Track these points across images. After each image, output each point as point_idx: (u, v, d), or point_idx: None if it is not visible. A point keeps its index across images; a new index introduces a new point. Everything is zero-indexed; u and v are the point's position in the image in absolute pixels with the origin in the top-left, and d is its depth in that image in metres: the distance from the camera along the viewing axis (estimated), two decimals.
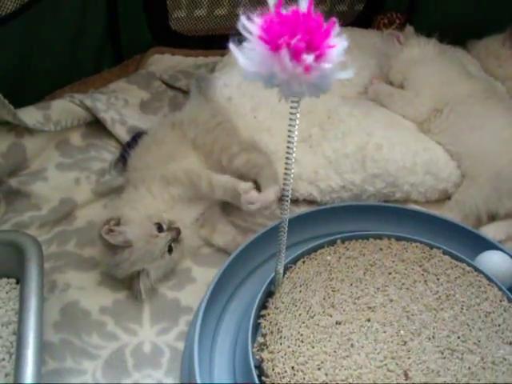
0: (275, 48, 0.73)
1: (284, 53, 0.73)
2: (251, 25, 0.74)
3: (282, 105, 1.35)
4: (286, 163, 0.87)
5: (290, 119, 0.83)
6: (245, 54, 0.75)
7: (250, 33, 0.73)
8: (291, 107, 0.82)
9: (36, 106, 1.42)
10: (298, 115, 0.83)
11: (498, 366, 0.97)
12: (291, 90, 0.76)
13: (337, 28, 0.74)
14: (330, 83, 0.76)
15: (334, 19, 0.74)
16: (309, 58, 0.73)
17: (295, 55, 0.73)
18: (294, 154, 0.86)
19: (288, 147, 0.86)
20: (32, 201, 1.33)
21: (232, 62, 1.63)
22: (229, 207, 1.33)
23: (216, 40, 1.83)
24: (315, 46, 0.73)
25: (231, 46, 0.74)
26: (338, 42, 0.74)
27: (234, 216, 1.34)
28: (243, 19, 0.74)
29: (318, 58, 0.74)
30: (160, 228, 1.17)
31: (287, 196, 0.91)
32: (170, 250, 1.18)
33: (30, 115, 1.38)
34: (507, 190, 1.34)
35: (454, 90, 1.47)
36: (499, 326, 1.03)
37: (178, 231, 1.18)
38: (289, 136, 0.85)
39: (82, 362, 1.07)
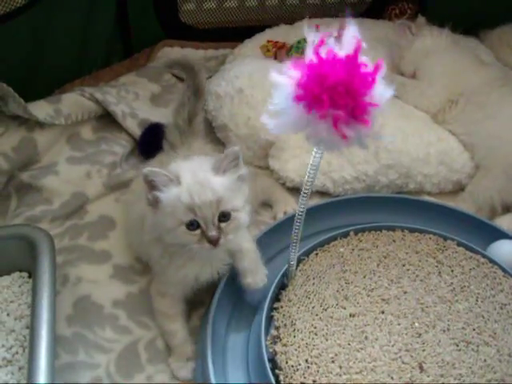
0: (311, 110, 0.69)
1: (322, 123, 0.69)
2: (285, 80, 0.69)
3: None
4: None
5: (313, 160, 0.83)
6: (276, 117, 0.70)
7: (283, 89, 0.68)
8: (315, 152, 0.81)
9: (46, 100, 1.42)
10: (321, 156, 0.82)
11: None
12: (323, 146, 0.73)
13: (382, 72, 0.69)
14: (366, 144, 0.72)
15: (381, 62, 0.69)
16: (349, 131, 0.69)
17: (334, 123, 0.69)
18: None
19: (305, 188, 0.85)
20: (43, 195, 1.33)
21: (243, 54, 1.63)
22: None
23: (226, 32, 1.82)
24: (358, 114, 0.69)
25: (263, 117, 0.69)
26: (382, 93, 0.69)
27: None
28: (274, 74, 0.69)
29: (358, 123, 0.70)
30: (193, 225, 0.96)
31: (307, 190, 0.90)
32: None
33: (40, 109, 1.38)
34: None
35: (468, 80, 1.46)
36: None
37: (214, 240, 0.96)
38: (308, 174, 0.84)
39: (95, 356, 1.07)
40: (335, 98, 0.67)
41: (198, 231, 0.95)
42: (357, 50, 0.67)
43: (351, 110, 0.68)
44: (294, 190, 1.34)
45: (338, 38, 0.68)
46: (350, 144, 0.72)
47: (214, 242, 0.95)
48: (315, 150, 0.80)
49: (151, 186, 0.95)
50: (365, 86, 0.68)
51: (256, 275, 1.05)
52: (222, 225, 0.96)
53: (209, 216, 0.94)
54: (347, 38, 0.68)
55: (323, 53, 0.68)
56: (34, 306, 1.00)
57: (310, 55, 0.68)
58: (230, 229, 0.97)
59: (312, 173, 0.84)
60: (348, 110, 0.67)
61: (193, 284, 1.07)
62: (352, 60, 0.67)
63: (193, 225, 0.95)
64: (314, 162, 0.82)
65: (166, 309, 1.09)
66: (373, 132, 0.70)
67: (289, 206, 1.32)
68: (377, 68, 0.68)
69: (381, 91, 0.69)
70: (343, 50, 0.68)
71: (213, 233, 0.95)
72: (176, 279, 1.05)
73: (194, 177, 0.96)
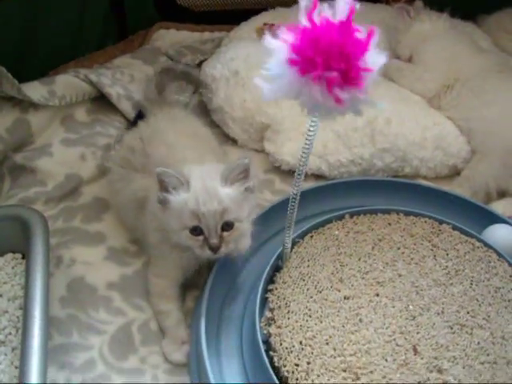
0: (305, 73, 0.69)
1: (316, 86, 0.69)
2: (279, 44, 0.69)
3: None
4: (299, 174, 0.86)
5: (309, 130, 0.81)
6: (270, 82, 0.70)
7: (277, 54, 0.68)
8: (312, 121, 0.80)
9: (40, 81, 1.40)
10: (317, 129, 0.81)
11: (507, 340, 0.96)
12: (317, 112, 0.73)
13: (375, 39, 0.69)
14: (361, 110, 0.72)
15: (374, 28, 0.69)
16: (344, 95, 0.69)
17: (328, 86, 0.69)
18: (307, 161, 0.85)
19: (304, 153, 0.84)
20: (37, 176, 1.32)
21: (238, 37, 1.62)
22: None
23: (222, 15, 1.81)
24: (351, 77, 0.69)
25: (256, 80, 0.69)
26: (375, 60, 0.69)
27: None
28: (268, 37, 0.69)
29: (352, 89, 0.70)
30: (197, 231, 0.99)
31: (301, 171, 0.89)
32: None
33: (34, 90, 1.37)
34: None
35: (465, 65, 1.46)
36: (509, 301, 1.03)
37: (215, 248, 0.99)
38: (305, 145, 0.84)
39: (89, 337, 1.06)
40: (329, 61, 0.67)
41: (200, 237, 0.99)
42: (350, 15, 0.67)
43: (345, 73, 0.67)
44: (290, 174, 1.33)
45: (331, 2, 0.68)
46: (344, 110, 0.71)
47: (214, 250, 0.99)
48: (310, 120, 0.79)
49: (162, 185, 0.98)
50: (358, 50, 0.68)
51: (240, 244, 1.05)
52: (225, 233, 0.99)
53: (212, 224, 0.98)
54: (340, 4, 0.68)
55: (317, 18, 0.68)
56: (27, 287, 0.99)
57: (303, 20, 0.68)
58: (232, 238, 1.00)
59: (307, 147, 0.83)
60: (342, 74, 0.67)
61: (194, 267, 1.08)
62: (346, 24, 0.67)
63: (196, 230, 0.98)
64: (309, 135, 0.81)
65: (163, 290, 1.09)
66: (366, 98, 0.70)
67: None
68: (370, 34, 0.68)
69: (374, 57, 0.70)
70: (337, 16, 0.68)
71: (214, 241, 0.98)
72: (177, 263, 1.06)
73: (202, 184, 0.99)
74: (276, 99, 0.71)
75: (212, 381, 0.91)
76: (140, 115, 1.37)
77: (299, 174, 0.88)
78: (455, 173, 1.40)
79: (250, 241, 1.06)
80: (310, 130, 0.81)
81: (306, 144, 0.83)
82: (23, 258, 1.14)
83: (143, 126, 1.25)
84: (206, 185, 0.98)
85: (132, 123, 1.41)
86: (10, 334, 1.03)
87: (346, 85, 0.68)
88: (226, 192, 0.99)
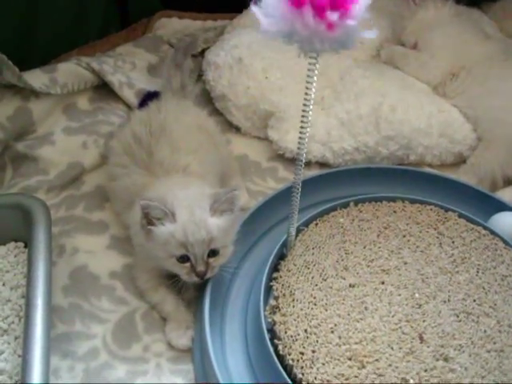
0: (297, 4, 0.71)
1: (307, 9, 0.71)
2: None
3: (295, 65, 1.34)
4: (302, 121, 0.85)
5: (308, 76, 0.81)
6: (265, 10, 0.72)
7: None
8: (309, 63, 0.80)
9: (42, 69, 1.39)
10: (316, 72, 0.80)
11: None
12: (312, 47, 0.74)
13: None
14: (353, 41, 0.74)
15: None
16: (333, 16, 0.71)
17: (318, 12, 0.71)
18: (310, 113, 0.84)
19: (305, 104, 0.84)
20: (39, 165, 1.31)
21: (242, 24, 1.60)
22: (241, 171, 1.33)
23: (225, 3, 1.78)
24: (340, 2, 0.71)
25: (255, 10, 0.72)
26: None
27: (245, 180, 1.33)
28: None
29: (342, 15, 0.71)
30: (183, 259, 1.00)
31: (302, 155, 0.88)
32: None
33: (36, 78, 1.35)
34: None
35: (470, 53, 1.44)
36: None
37: (201, 275, 1.00)
38: (306, 94, 0.83)
39: (92, 326, 1.06)
40: None
41: (187, 264, 1.00)
42: None
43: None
44: (294, 162, 1.32)
45: None
46: (336, 41, 0.72)
47: (201, 276, 1.00)
48: (308, 64, 0.78)
49: (146, 217, 0.99)
50: None
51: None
52: (210, 260, 1.01)
53: (199, 253, 0.99)
54: None
55: None
56: (29, 275, 0.98)
57: None
58: (217, 263, 1.02)
59: (308, 98, 0.83)
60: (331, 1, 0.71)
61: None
62: None
63: (183, 258, 1.00)
64: (309, 81, 0.81)
65: (151, 283, 1.09)
66: (356, 27, 0.72)
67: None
68: None
69: None
70: None
71: (201, 268, 1.00)
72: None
73: (190, 215, 0.99)
74: (273, 37, 0.72)
75: (216, 369, 0.90)
76: (150, 95, 1.37)
77: (302, 133, 0.87)
78: (461, 160, 1.39)
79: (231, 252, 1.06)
80: (308, 76, 0.80)
81: (306, 94, 0.82)
82: (25, 246, 1.14)
83: (154, 111, 1.23)
84: (194, 215, 0.99)
85: (140, 105, 1.41)
86: (13, 322, 1.02)
87: (335, 8, 0.71)
88: (214, 223, 1.00)
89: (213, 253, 1.00)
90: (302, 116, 0.85)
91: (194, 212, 0.99)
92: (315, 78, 0.81)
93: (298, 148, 0.88)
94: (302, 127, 0.86)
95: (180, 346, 1.02)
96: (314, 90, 0.82)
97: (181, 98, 1.34)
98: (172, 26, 1.76)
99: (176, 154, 1.13)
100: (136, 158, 1.14)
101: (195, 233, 0.97)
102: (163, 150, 1.13)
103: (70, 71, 1.40)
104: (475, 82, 1.39)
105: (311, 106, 0.84)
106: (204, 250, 0.99)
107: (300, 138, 0.87)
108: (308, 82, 0.81)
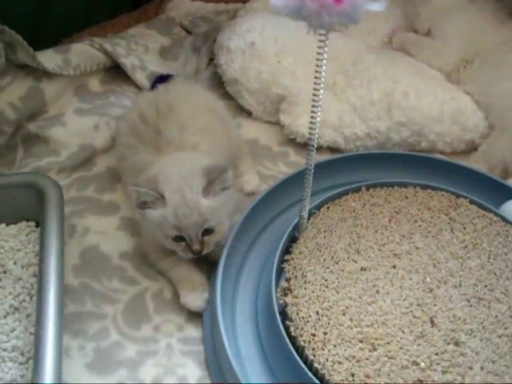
0: None
1: None
2: None
3: (306, 49, 1.34)
4: (314, 100, 0.84)
5: (318, 54, 0.80)
6: None
7: None
8: (319, 40, 0.79)
9: (55, 50, 1.39)
10: (326, 50, 0.80)
11: None
12: (320, 21, 0.74)
13: None
14: (361, 14, 0.74)
15: None
16: None
17: None
18: (321, 91, 0.83)
19: (315, 83, 0.83)
20: (51, 146, 1.32)
21: (254, 8, 1.60)
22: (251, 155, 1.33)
23: None
24: None
25: None
26: None
27: (256, 164, 1.32)
28: None
29: None
30: (178, 238, 1.02)
31: (314, 133, 0.88)
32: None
33: (49, 58, 1.35)
34: None
35: (484, 40, 1.43)
36: None
37: (197, 252, 1.02)
38: (316, 72, 0.82)
39: (102, 306, 1.06)
40: None
41: (183, 243, 1.02)
42: None
43: None
44: (305, 146, 1.32)
45: None
46: (345, 14, 0.72)
47: (197, 253, 1.02)
48: (318, 38, 0.78)
49: (138, 202, 1.01)
50: None
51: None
52: (206, 238, 1.02)
53: (193, 234, 1.00)
54: None
55: None
56: (42, 254, 0.99)
57: None
58: (212, 241, 1.03)
59: (319, 76, 0.82)
60: None
61: None
62: None
63: (178, 238, 1.01)
64: (319, 59, 0.80)
65: (159, 253, 1.10)
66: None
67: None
68: None
69: None
70: None
71: (196, 247, 1.01)
72: None
73: (181, 198, 0.99)
74: (281, 12, 0.72)
75: (228, 351, 0.90)
76: (161, 78, 1.37)
77: (314, 112, 0.87)
78: (472, 148, 1.38)
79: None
80: (319, 54, 0.80)
81: (316, 72, 0.82)
82: (37, 226, 1.14)
83: (162, 92, 1.23)
84: (186, 197, 0.99)
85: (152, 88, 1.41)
86: (24, 301, 1.03)
87: None
88: (207, 204, 1.00)
89: (207, 231, 1.01)
90: (314, 95, 0.85)
91: (185, 194, 0.99)
92: (325, 56, 0.80)
93: (311, 122, 0.87)
94: (313, 106, 0.86)
95: (194, 307, 1.03)
96: (324, 69, 0.82)
97: (192, 82, 1.34)
98: (184, 7, 1.76)
99: (184, 132, 1.12)
100: (143, 138, 1.14)
101: (187, 216, 0.98)
102: (171, 128, 1.12)
103: (83, 52, 1.41)
104: (488, 69, 1.38)
105: (322, 85, 0.84)
106: (198, 230, 1.00)
107: (312, 117, 0.87)
108: (318, 60, 0.80)
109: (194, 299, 1.03)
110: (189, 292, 1.04)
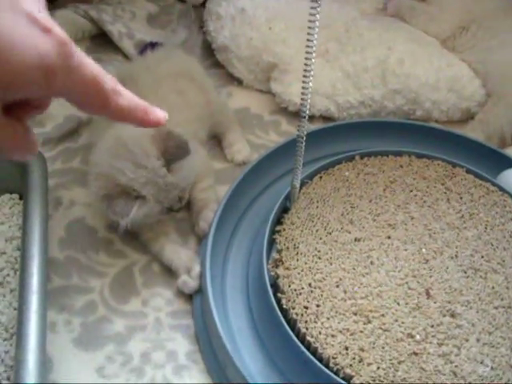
0: None
1: None
2: None
3: (298, 16, 1.30)
4: (306, 63, 0.81)
5: (310, 20, 0.77)
6: None
7: None
8: (311, 7, 0.76)
9: None
10: (317, 16, 0.77)
11: None
12: None
13: None
14: None
15: None
16: None
17: None
18: (314, 54, 0.80)
19: (307, 52, 0.80)
20: (36, 117, 1.27)
21: None
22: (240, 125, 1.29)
23: None
24: None
25: None
26: None
27: (247, 133, 1.29)
28: None
29: None
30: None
31: (306, 100, 0.85)
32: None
33: None
34: None
35: (481, 5, 1.39)
36: None
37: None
38: (308, 40, 0.79)
39: (89, 280, 1.03)
40: None
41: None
42: None
43: None
44: (297, 115, 1.29)
45: None
46: None
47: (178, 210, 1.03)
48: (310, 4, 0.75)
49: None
50: None
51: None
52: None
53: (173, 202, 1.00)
54: None
55: None
56: (25, 226, 0.95)
57: None
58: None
59: (311, 44, 0.79)
60: None
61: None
62: None
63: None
64: (311, 26, 0.77)
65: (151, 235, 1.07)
66: None
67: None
68: None
69: None
70: None
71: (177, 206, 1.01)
72: None
73: (154, 186, 0.96)
74: None
75: (218, 324, 0.87)
76: (149, 46, 1.33)
77: (306, 77, 0.84)
78: (468, 117, 1.34)
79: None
80: (310, 21, 0.77)
81: (308, 40, 0.79)
82: (20, 198, 1.10)
83: (136, 62, 1.20)
84: (158, 183, 0.96)
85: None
86: (8, 275, 0.99)
87: None
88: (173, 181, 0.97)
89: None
90: (305, 64, 0.81)
91: (156, 181, 0.96)
92: (317, 24, 0.77)
93: (303, 89, 0.84)
94: (305, 73, 0.82)
95: (188, 290, 1.00)
96: (316, 37, 0.78)
97: (177, 50, 1.29)
98: None
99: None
100: None
101: (167, 195, 0.98)
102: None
103: (67, 19, 1.36)
104: (486, 36, 1.35)
105: (314, 53, 0.80)
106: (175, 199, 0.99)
107: (303, 84, 0.84)
108: (310, 28, 0.77)
109: (184, 283, 1.00)
110: (182, 275, 1.01)
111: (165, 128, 0.97)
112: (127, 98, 0.55)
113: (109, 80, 0.53)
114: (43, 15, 0.47)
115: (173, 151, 0.97)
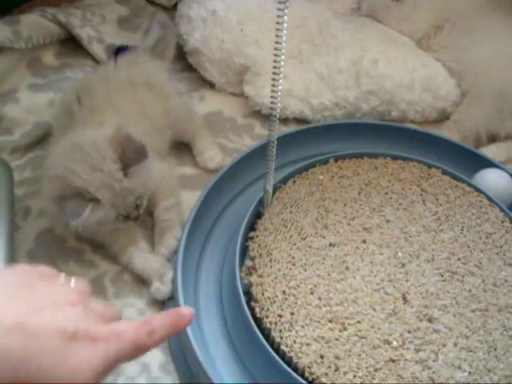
0: None
1: None
2: None
3: (270, 17, 1.27)
4: (275, 66, 0.79)
5: (278, 22, 0.75)
6: None
7: None
8: (278, 8, 0.74)
9: (3, 21, 1.31)
10: (286, 18, 0.75)
11: (499, 287, 0.92)
12: None
13: None
14: None
15: None
16: None
17: None
18: (283, 57, 0.78)
19: (276, 49, 0.78)
20: (3, 124, 1.25)
21: None
22: (213, 129, 1.26)
23: None
24: None
25: None
26: None
27: (220, 137, 1.27)
28: None
29: None
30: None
31: (277, 102, 0.83)
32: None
33: None
34: (509, 109, 1.27)
35: (455, 5, 1.39)
36: (501, 247, 0.98)
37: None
38: (276, 42, 0.77)
39: None
40: None
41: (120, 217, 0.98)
42: None
43: None
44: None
45: None
46: None
47: (136, 218, 1.00)
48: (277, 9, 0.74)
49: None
50: None
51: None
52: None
53: (130, 209, 0.98)
54: None
55: None
56: None
57: None
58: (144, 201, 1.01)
59: (280, 45, 0.78)
60: None
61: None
62: None
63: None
64: (279, 28, 0.76)
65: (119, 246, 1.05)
66: None
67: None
68: None
69: None
70: None
71: (135, 214, 0.99)
72: None
73: (110, 189, 0.93)
74: None
75: (190, 335, 0.85)
76: (120, 50, 1.30)
77: (276, 79, 0.82)
78: (444, 117, 1.34)
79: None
80: (278, 23, 0.76)
81: (277, 42, 0.78)
82: None
83: (97, 71, 1.18)
84: (114, 188, 0.93)
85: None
86: None
87: None
88: (130, 187, 0.95)
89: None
90: (274, 65, 0.80)
91: (112, 185, 0.93)
92: (285, 26, 0.76)
93: (272, 91, 0.82)
94: (274, 73, 0.81)
95: (160, 296, 0.98)
96: (284, 39, 0.78)
97: (143, 55, 1.25)
98: None
99: (97, 113, 1.05)
100: (72, 115, 1.07)
101: (124, 201, 0.95)
102: (82, 110, 1.06)
103: (34, 23, 1.33)
104: (460, 35, 1.34)
105: (283, 55, 0.79)
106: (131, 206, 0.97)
107: (273, 85, 0.82)
108: (278, 30, 0.77)
109: (157, 290, 0.98)
110: (155, 282, 0.99)
111: (124, 131, 0.95)
112: (159, 329, 0.55)
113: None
114: None
115: (130, 155, 0.94)
